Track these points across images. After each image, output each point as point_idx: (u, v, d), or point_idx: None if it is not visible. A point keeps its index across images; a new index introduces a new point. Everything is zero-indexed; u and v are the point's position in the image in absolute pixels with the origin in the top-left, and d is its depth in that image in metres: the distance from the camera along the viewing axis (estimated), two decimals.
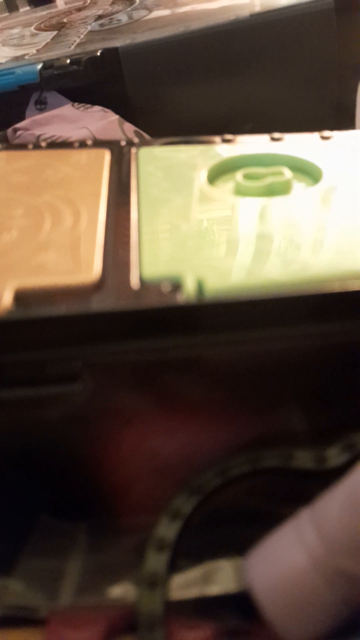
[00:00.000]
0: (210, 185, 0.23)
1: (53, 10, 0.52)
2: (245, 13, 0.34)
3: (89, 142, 0.26)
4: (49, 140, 0.31)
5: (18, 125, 0.33)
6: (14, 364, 0.16)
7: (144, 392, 0.18)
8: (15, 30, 0.47)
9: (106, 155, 0.25)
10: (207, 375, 0.18)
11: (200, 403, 0.18)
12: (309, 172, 0.24)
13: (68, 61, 0.34)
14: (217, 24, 0.34)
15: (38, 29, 0.45)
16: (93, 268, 0.18)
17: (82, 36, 0.40)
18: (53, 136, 0.32)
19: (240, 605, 0.16)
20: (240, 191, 0.22)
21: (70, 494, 0.19)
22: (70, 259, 0.18)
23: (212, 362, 0.17)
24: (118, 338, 0.16)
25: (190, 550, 0.17)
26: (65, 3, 0.53)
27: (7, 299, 0.16)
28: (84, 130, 0.32)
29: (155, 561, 0.17)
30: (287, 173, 0.22)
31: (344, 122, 0.35)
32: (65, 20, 0.46)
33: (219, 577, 0.17)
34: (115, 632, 0.16)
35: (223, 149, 0.25)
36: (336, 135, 0.26)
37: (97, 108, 0.34)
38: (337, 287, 0.16)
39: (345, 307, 0.17)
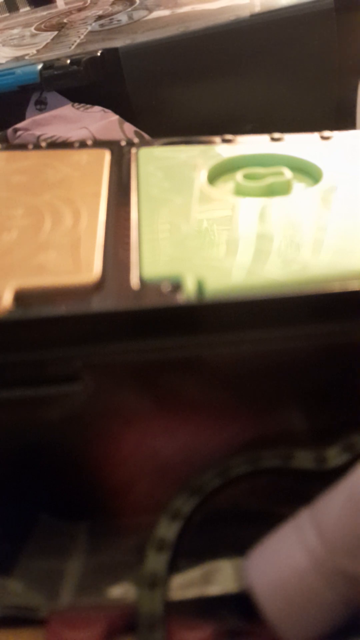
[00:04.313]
0: (211, 185, 0.23)
1: (53, 10, 0.52)
2: (245, 13, 0.34)
3: (89, 142, 0.26)
4: (49, 141, 0.31)
5: (18, 125, 0.33)
6: (14, 364, 0.16)
7: (144, 393, 0.18)
8: (15, 31, 0.47)
9: (106, 156, 0.25)
10: (207, 375, 0.18)
11: (201, 403, 0.18)
12: (309, 172, 0.24)
13: (68, 61, 0.34)
14: (217, 24, 0.34)
15: (38, 29, 0.46)
16: (93, 268, 0.18)
17: (82, 36, 0.40)
18: (53, 136, 0.32)
19: (240, 605, 0.16)
20: (240, 191, 0.22)
21: (70, 494, 0.19)
22: (70, 259, 0.18)
23: (212, 362, 0.17)
24: (118, 338, 0.16)
25: (190, 550, 0.17)
26: (66, 3, 0.53)
27: (7, 299, 0.16)
28: (84, 130, 0.32)
29: (155, 561, 0.17)
30: (287, 173, 0.22)
31: (344, 122, 0.35)
32: (65, 20, 0.46)
33: (219, 577, 0.17)
34: (115, 632, 0.16)
35: (223, 149, 0.25)
36: (336, 135, 0.26)
37: (97, 108, 0.34)
38: (337, 287, 0.16)
39: (345, 307, 0.17)
